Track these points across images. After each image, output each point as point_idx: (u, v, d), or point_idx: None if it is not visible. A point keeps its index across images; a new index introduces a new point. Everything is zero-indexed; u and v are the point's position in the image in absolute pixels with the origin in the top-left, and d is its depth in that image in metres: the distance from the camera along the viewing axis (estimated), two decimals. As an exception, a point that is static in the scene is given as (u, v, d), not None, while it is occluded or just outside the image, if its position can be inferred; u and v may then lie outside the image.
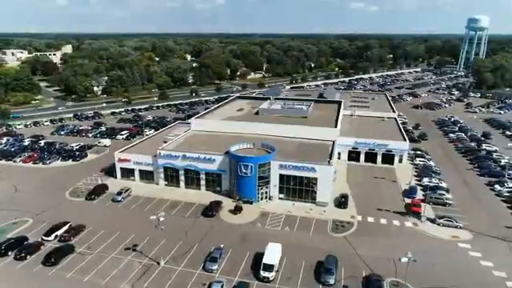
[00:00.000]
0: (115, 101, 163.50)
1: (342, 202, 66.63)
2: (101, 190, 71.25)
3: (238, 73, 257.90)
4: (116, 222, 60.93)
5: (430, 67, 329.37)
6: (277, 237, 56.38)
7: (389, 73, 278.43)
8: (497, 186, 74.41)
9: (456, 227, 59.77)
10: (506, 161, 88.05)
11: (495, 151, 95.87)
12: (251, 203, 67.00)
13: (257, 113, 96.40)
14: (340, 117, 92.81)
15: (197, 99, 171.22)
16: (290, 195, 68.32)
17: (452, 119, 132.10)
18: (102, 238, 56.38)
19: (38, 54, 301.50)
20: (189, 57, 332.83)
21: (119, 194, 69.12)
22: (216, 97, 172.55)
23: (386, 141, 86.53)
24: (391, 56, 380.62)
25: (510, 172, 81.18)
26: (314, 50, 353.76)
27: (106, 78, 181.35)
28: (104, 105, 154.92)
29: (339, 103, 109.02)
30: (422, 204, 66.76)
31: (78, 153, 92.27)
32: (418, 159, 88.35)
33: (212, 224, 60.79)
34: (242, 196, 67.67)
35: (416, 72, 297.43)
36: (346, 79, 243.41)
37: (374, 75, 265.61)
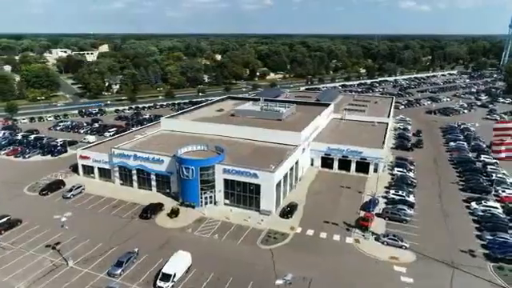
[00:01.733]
0: (124, 98, 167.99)
1: (286, 212, 62.57)
2: (56, 185, 72.49)
3: (258, 73, 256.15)
4: (53, 218, 61.41)
5: (468, 70, 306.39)
6: (200, 244, 54.00)
7: (418, 75, 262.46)
8: (473, 204, 66.32)
9: (401, 247, 53.72)
10: (501, 175, 78.52)
11: (494, 163, 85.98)
12: (193, 207, 64.86)
13: (233, 114, 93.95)
14: (317, 121, 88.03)
15: (203, 98, 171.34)
16: (235, 201, 65.31)
17: (461, 126, 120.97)
18: (31, 234, 57.04)
19: (74, 53, 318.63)
20: (219, 57, 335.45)
21: (70, 190, 69.98)
22: (223, 96, 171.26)
23: (361, 148, 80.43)
24: (430, 57, 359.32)
25: (497, 188, 72.26)
26: (344, 50, 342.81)
27: (121, 76, 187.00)
28: (108, 102, 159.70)
29: (328, 106, 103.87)
30: (378, 219, 61.44)
31: (59, 148, 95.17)
32: (396, 169, 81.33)
33: (144, 226, 59.48)
34: (184, 199, 65.80)
35: (451, 75, 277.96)
36: (369, 81, 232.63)
37: (400, 77, 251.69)
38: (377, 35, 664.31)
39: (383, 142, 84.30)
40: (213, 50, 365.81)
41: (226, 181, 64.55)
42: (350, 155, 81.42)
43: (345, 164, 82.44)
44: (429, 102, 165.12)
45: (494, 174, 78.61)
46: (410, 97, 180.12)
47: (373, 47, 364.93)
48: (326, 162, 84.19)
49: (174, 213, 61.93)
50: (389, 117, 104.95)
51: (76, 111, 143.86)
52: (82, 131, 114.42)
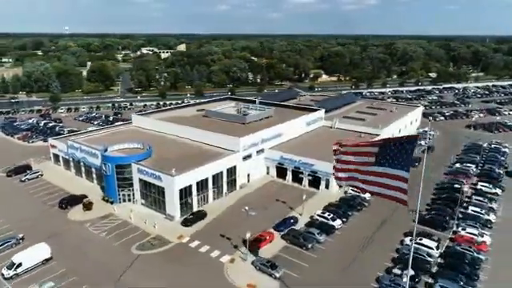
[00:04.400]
0: (156, 95, 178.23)
1: (189, 220, 60.06)
2: (22, 169, 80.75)
3: (311, 75, 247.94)
4: (-7, 198, 68.91)
5: None
6: (81, 240, 55.55)
7: (498, 83, 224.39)
8: (406, 239, 55.07)
9: (270, 275, 47.45)
10: (480, 210, 63.48)
11: (486, 195, 69.94)
12: (112, 203, 66.36)
13: (205, 115, 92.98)
14: (281, 127, 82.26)
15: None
16: (150, 202, 64.97)
17: (493, 146, 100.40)
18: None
19: (151, 51, 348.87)
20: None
21: (26, 175, 77.51)
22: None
23: (312, 160, 72.74)
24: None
25: (463, 224, 58.69)
26: (421, 52, 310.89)
27: (166, 74, 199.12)
28: (138, 97, 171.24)
29: (314, 111, 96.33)
30: (282, 241, 55.49)
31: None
32: (350, 189, 71.59)
33: (54, 216, 62.84)
34: (105, 195, 67.70)
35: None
36: (429, 87, 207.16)
37: (473, 85, 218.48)
38: (488, 37, 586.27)
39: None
40: (283, 50, 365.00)
41: (141, 180, 64.64)
42: (301, 167, 74.28)
43: (296, 176, 75.58)
44: (481, 115, 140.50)
45: (469, 207, 64.08)
46: (464, 107, 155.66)
47: (456, 49, 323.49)
48: (283, 172, 78.17)
49: (85, 206, 64.18)
50: (381, 129, 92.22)
51: (109, 104, 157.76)
52: (95, 123, 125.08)
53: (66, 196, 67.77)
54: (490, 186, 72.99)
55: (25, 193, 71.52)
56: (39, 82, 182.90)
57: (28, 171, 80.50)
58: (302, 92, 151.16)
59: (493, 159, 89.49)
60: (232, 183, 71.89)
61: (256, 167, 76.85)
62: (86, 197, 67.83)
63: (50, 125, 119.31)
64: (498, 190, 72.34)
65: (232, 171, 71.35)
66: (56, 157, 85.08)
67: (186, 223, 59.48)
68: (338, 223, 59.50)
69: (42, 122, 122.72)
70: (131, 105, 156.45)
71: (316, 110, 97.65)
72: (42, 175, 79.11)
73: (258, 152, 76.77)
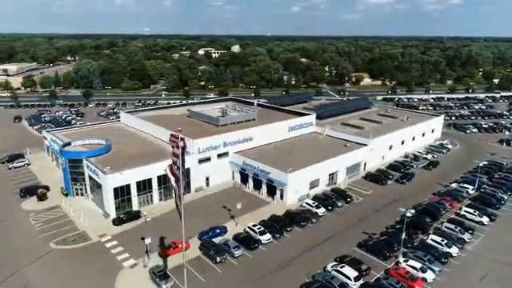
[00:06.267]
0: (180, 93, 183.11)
1: (119, 219, 59.84)
2: (15, 157, 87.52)
3: (354, 78, 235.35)
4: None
5: None
6: (12, 228, 58.28)
7: None
8: (328, 266, 48.53)
9: (158, 285, 44.98)
10: (439, 239, 53.79)
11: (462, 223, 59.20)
12: (66, 195, 68.83)
13: (189, 116, 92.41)
14: (252, 131, 78.62)
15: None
16: (96, 198, 66.04)
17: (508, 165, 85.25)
18: None
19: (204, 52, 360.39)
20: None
21: (14, 162, 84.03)
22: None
23: (269, 168, 68.06)
24: None
25: (402, 252, 50.36)
26: (486, 56, 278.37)
27: (199, 73, 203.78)
28: (163, 96, 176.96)
29: (304, 116, 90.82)
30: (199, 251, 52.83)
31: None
32: (305, 201, 65.58)
33: (9, 204, 66.39)
34: (64, 187, 70.40)
35: None
36: (481, 95, 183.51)
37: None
38: None
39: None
40: (338, 52, 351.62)
41: (90, 176, 66.06)
42: (260, 174, 70.01)
43: (256, 183, 71.52)
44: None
45: (428, 236, 54.75)
46: (508, 119, 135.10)
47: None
48: (246, 178, 74.47)
49: (39, 197, 67.29)
50: (371, 138, 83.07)
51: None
52: (111, 118, 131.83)
53: (28, 185, 71.85)
54: (476, 213, 61.70)
55: (4, 179, 77.47)
56: (85, 78, 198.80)
57: (21, 159, 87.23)
58: (322, 96, 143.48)
59: (503, 182, 75.81)
60: (186, 185, 70.04)
61: (217, 171, 74.16)
62: (46, 188, 71.23)
63: (69, 118, 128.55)
64: (485, 219, 60.84)
65: (185, 173, 69.58)
66: (47, 148, 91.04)
67: (116, 222, 59.33)
68: (266, 238, 54.68)
69: (64, 115, 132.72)
70: (156, 103, 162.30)
71: (305, 115, 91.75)
72: (28, 164, 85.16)
73: (219, 155, 74.09)
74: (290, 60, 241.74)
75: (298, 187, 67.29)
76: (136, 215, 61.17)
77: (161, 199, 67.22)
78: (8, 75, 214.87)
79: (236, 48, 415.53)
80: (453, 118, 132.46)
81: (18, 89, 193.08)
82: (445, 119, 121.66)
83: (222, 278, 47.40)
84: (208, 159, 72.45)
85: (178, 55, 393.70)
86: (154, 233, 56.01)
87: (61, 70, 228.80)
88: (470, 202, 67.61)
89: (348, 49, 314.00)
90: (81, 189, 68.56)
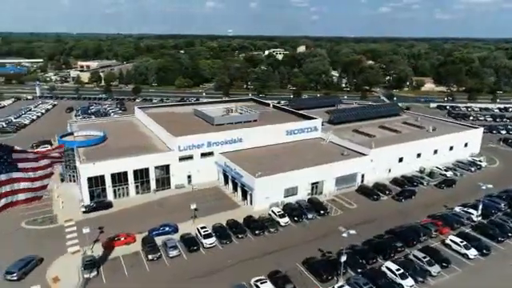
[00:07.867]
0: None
1: (90, 207, 63.47)
2: (43, 143, 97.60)
3: (414, 83, 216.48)
4: None
5: None
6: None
7: None
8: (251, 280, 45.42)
9: (83, 273, 46.63)
10: (394, 267, 46.77)
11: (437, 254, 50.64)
12: (62, 181, 74.87)
13: (195, 114, 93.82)
14: (238, 131, 77.19)
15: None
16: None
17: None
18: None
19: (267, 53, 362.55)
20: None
21: (38, 147, 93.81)
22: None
23: (242, 171, 66.02)
24: None
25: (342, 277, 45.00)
26: None
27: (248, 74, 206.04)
28: (204, 94, 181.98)
29: (308, 119, 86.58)
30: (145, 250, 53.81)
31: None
32: (276, 208, 62.25)
33: None
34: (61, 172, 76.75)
35: None
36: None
37: None
38: None
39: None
40: (412, 55, 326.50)
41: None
42: (236, 177, 68.35)
43: (235, 185, 69.96)
44: None
45: (386, 263, 47.93)
46: None
47: None
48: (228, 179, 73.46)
49: (38, 180, 74.19)
50: (371, 148, 75.52)
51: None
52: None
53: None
54: (462, 244, 52.44)
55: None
56: (142, 75, 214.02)
57: (48, 145, 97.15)
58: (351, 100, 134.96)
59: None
60: (165, 182, 71.70)
61: (201, 170, 74.13)
62: (49, 172, 78.24)
63: (110, 111, 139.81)
64: (472, 252, 51.45)
65: (165, 169, 71.18)
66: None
67: (85, 210, 62.90)
68: (209, 241, 53.25)
69: (108, 108, 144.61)
70: (197, 100, 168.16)
71: (309, 119, 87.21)
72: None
73: (203, 155, 74.04)
74: (351, 62, 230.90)
75: (268, 193, 64.17)
76: (108, 205, 64.13)
77: (137, 193, 69.47)
78: (82, 70, 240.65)
79: (302, 49, 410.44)
80: (502, 132, 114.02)
81: (87, 83, 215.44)
82: (500, 133, 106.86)
83: (144, 275, 47.44)
84: (190, 157, 72.87)
85: (244, 55, 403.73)
86: (118, 223, 58.50)
87: (127, 68, 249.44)
88: (463, 230, 57.85)
89: (417, 51, 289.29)
90: (73, 176, 74.08)
